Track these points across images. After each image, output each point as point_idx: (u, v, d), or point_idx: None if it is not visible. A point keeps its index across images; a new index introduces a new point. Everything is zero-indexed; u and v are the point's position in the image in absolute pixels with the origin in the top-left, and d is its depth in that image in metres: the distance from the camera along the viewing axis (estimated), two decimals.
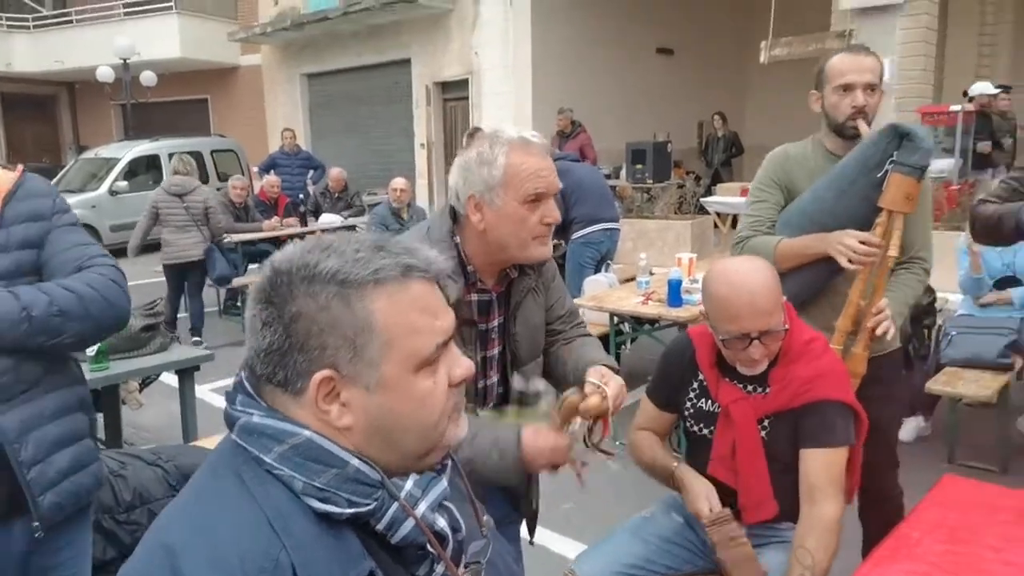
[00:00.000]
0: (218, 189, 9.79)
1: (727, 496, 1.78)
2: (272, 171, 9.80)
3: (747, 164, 12.42)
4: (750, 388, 1.78)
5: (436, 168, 12.47)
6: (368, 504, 0.79)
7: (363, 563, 0.78)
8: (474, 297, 1.57)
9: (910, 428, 3.87)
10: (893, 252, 1.96)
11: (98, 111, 17.38)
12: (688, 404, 1.89)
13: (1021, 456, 3.59)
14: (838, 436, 1.69)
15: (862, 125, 2.08)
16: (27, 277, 1.46)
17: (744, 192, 7.86)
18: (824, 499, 1.65)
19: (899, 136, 1.96)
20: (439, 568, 0.85)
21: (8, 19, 16.34)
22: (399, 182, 6.30)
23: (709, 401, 1.84)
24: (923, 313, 4.19)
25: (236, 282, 7.28)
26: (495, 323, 1.62)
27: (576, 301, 4.36)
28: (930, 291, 4.32)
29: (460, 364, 0.87)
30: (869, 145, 2.01)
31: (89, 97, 17.17)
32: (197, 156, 12.78)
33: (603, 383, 1.45)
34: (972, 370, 3.49)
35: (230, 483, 0.80)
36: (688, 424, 1.90)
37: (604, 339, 4.28)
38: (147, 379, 4.01)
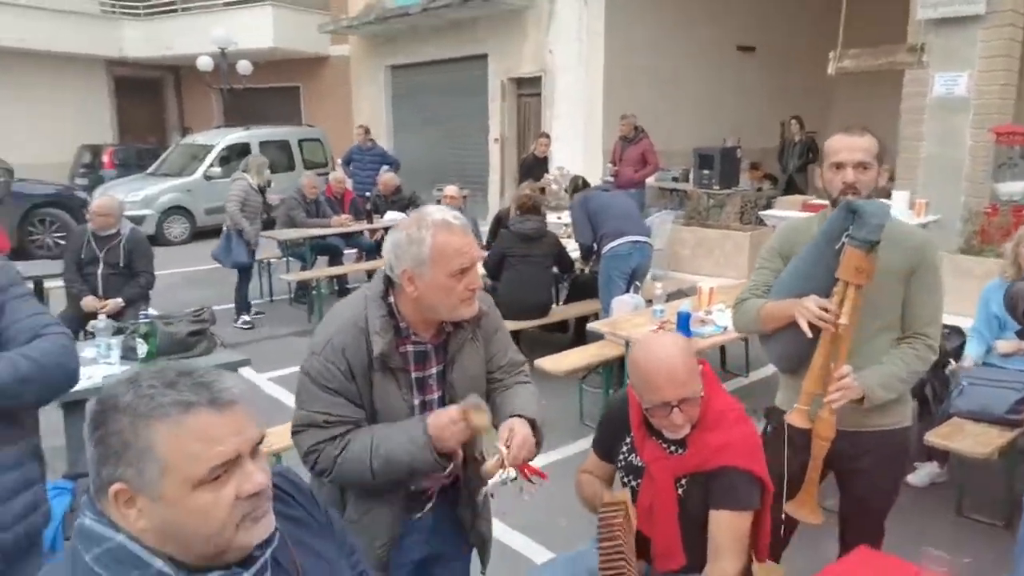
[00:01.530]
0: (320, 175, 10.30)
1: (644, 544, 1.96)
2: (350, 165, 10.29)
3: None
4: (672, 449, 1.95)
5: (508, 163, 12.71)
6: None
7: None
8: (409, 348, 1.80)
9: (924, 474, 3.85)
10: (843, 320, 2.04)
11: (200, 95, 18.47)
12: (621, 458, 2.08)
13: None
14: (741, 501, 1.85)
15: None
16: None
17: (804, 207, 7.73)
18: (724, 557, 1.82)
19: (851, 212, 2.07)
20: None
21: (120, 6, 17.54)
22: (451, 189, 6.58)
23: (637, 457, 2.02)
24: (948, 356, 4.13)
25: (304, 275, 7.77)
26: (432, 371, 1.84)
27: (592, 326, 4.55)
28: (959, 333, 4.24)
29: (251, 480, 1.01)
30: (832, 219, 2.14)
31: (193, 82, 18.25)
32: (285, 145, 13.55)
33: (505, 443, 1.70)
34: (979, 423, 3.43)
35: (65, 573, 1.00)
36: (620, 476, 2.09)
37: (621, 360, 4.45)
38: None
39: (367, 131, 10.48)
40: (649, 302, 4.63)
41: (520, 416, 1.79)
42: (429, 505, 1.90)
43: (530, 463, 1.74)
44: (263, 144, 13.21)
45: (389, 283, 1.79)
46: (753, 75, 13.01)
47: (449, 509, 1.93)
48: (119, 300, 4.98)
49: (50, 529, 1.99)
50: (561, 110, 11.81)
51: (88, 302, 4.93)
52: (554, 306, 5.84)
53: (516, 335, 5.73)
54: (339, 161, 11.11)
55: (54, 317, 1.80)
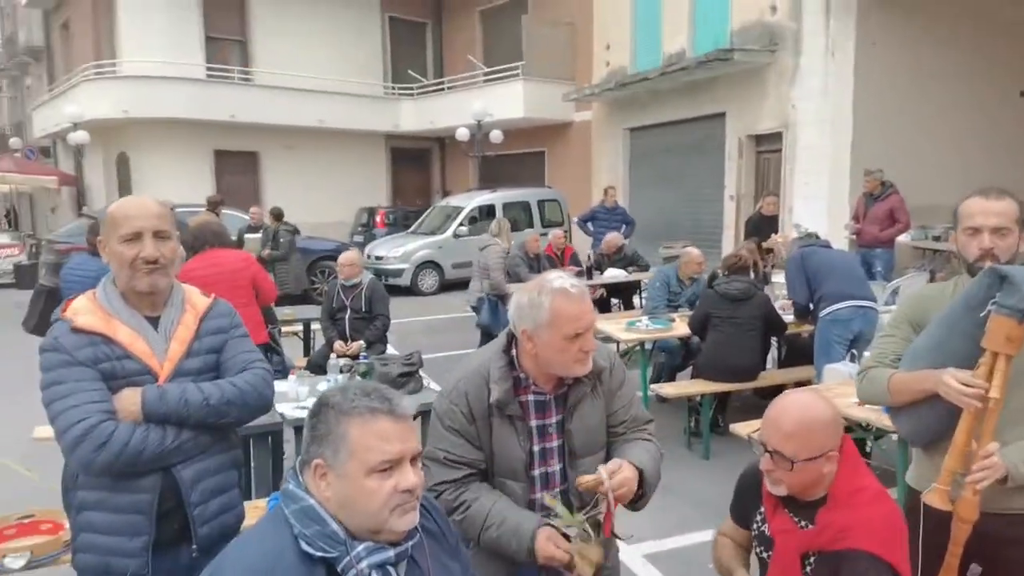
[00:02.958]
0: (542, 235, 10.91)
1: None
2: (591, 223, 10.71)
3: None
4: (802, 524, 1.84)
5: (743, 221, 12.33)
6: (333, 553, 1.29)
7: None
8: (530, 398, 1.93)
9: None
10: (995, 394, 1.87)
11: (459, 162, 20.39)
12: (755, 527, 1.99)
13: None
14: None
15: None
16: (209, 374, 1.99)
17: None
18: None
19: (1000, 278, 1.91)
20: None
21: (399, 88, 20.18)
22: (693, 253, 6.50)
23: (768, 527, 1.93)
24: None
25: None
26: (552, 420, 1.95)
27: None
28: None
29: (407, 479, 1.32)
30: (973, 285, 2.01)
31: (454, 151, 20.25)
32: (526, 206, 14.47)
33: (609, 472, 1.76)
34: None
35: (267, 521, 1.38)
36: (754, 545, 2.00)
37: None
38: None
39: (615, 192, 10.83)
40: None
41: (631, 463, 1.83)
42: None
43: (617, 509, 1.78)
44: (507, 205, 14.22)
45: (513, 338, 1.95)
46: None
47: None
48: (361, 343, 5.69)
49: None
50: (803, 166, 11.26)
51: (336, 347, 5.70)
52: (767, 370, 5.56)
53: (724, 398, 5.55)
54: (575, 220, 11.57)
55: (260, 354, 2.18)
